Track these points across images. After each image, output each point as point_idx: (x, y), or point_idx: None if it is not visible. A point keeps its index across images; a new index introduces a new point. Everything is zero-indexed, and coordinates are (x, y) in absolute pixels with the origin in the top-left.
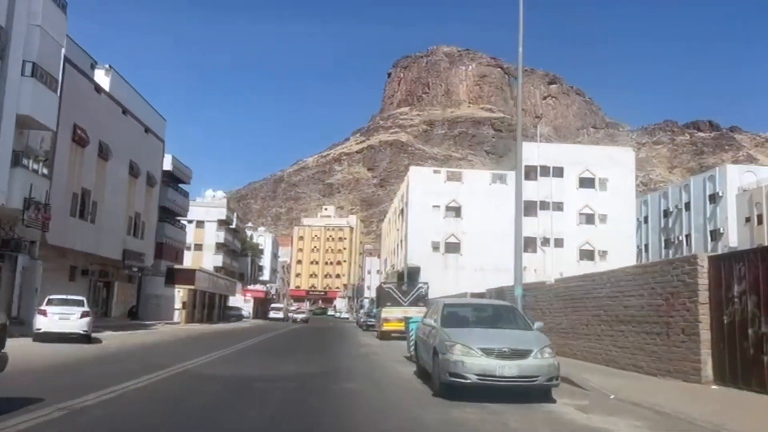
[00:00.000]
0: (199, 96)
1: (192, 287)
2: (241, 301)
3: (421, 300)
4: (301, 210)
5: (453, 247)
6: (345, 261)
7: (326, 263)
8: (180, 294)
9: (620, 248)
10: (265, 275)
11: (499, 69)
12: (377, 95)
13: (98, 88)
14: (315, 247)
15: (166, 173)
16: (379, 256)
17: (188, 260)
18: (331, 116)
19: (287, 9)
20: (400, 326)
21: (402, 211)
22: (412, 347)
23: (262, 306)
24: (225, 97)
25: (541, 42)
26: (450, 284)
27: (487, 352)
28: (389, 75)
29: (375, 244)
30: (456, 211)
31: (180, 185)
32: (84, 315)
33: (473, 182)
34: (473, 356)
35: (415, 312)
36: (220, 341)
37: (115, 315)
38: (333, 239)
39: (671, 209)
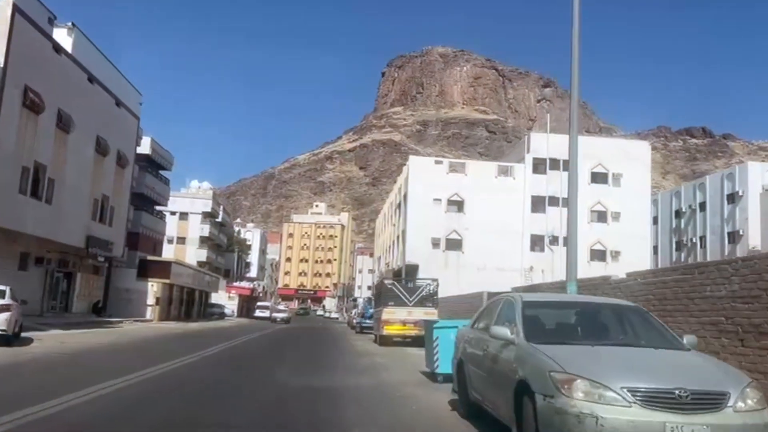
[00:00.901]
0: (190, 91)
1: (167, 281)
2: (226, 298)
3: (430, 300)
4: (291, 208)
5: (454, 244)
6: (335, 259)
7: (316, 261)
8: (153, 288)
9: (634, 249)
10: (253, 272)
11: (493, 71)
12: (371, 94)
13: (58, 48)
14: (305, 244)
15: (143, 157)
16: (371, 255)
17: (170, 253)
18: (324, 115)
19: (280, 6)
20: (405, 330)
21: (400, 205)
22: (437, 362)
23: (247, 304)
24: (216, 93)
25: (536, 44)
26: (451, 284)
27: (646, 396)
28: (383, 74)
29: (367, 243)
30: (458, 205)
31: (161, 172)
32: (2, 309)
33: (477, 175)
34: (616, 404)
35: (422, 314)
36: (188, 344)
37: (77, 310)
38: (323, 237)
39: (684, 209)
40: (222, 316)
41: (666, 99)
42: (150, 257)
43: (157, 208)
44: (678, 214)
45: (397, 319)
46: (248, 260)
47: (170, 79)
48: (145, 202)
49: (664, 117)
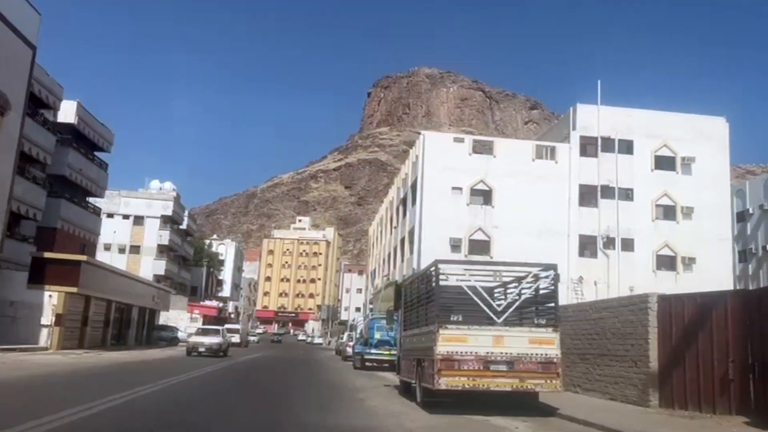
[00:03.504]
0: (170, 109)
1: (74, 290)
2: (187, 319)
3: (542, 312)
4: (273, 227)
5: (480, 247)
6: (319, 279)
7: (298, 281)
8: (53, 301)
9: (712, 254)
10: (226, 291)
11: (480, 92)
12: (356, 115)
13: None
14: (286, 262)
15: (66, 128)
16: (360, 273)
17: (120, 264)
18: (309, 134)
19: (266, 25)
20: (492, 380)
21: (405, 199)
22: None
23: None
24: (194, 110)
25: (522, 67)
26: None
27: None
28: (369, 94)
29: (353, 263)
30: (485, 195)
31: (97, 154)
32: None
33: (510, 156)
34: None
35: (528, 342)
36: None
37: None
38: (307, 254)
39: (752, 210)
40: (173, 341)
41: None
42: (48, 254)
43: (91, 200)
44: (743, 216)
45: (472, 353)
46: (221, 277)
47: (148, 90)
48: (69, 189)
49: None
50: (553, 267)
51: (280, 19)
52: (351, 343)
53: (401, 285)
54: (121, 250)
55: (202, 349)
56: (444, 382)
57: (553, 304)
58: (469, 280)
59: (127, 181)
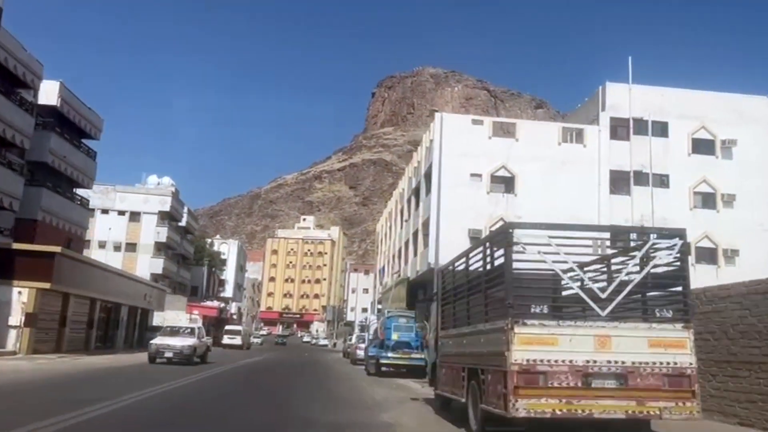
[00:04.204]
0: (171, 110)
1: (47, 285)
2: (186, 320)
3: (672, 302)
4: (277, 228)
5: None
6: (324, 279)
7: (303, 281)
8: (22, 298)
9: (756, 246)
10: (228, 291)
11: (485, 91)
12: (360, 115)
13: None
14: (290, 262)
15: (47, 111)
16: (366, 272)
17: (115, 263)
18: (312, 136)
19: (267, 26)
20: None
21: (418, 188)
22: None
23: (215, 328)
24: (199, 110)
25: (527, 66)
26: None
27: None
28: (373, 95)
29: (358, 264)
30: (507, 182)
31: (84, 141)
32: None
33: (533, 140)
34: None
35: (647, 345)
36: None
37: None
38: (311, 254)
39: None
40: None
41: None
42: (17, 245)
43: (79, 192)
44: None
45: (566, 362)
46: (223, 277)
47: (149, 91)
48: (52, 177)
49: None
50: (680, 233)
51: (281, 19)
52: (362, 345)
53: (443, 271)
54: (117, 248)
55: (169, 354)
56: (523, 406)
57: (681, 288)
58: (558, 253)
59: (128, 181)
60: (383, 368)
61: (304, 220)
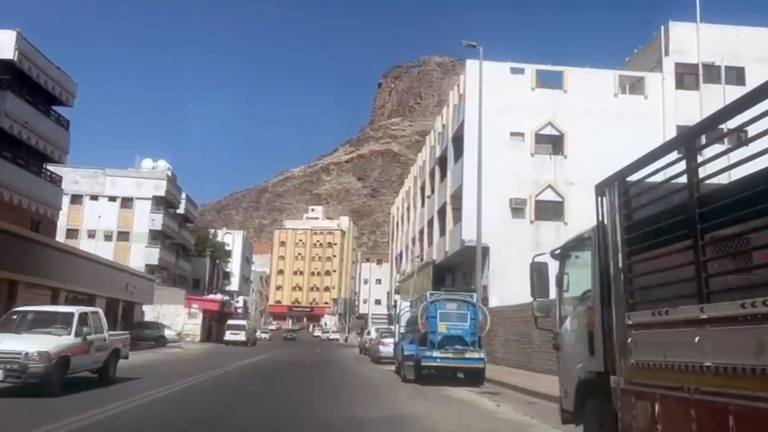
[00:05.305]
0: (178, 104)
1: None
2: (185, 314)
3: None
4: (285, 221)
5: (550, 210)
6: (335, 271)
7: (312, 273)
8: None
9: None
10: (234, 285)
11: None
12: (367, 106)
13: None
14: (299, 254)
15: (2, 66)
16: (379, 262)
17: (106, 254)
18: (319, 128)
19: (275, 17)
20: None
21: (443, 158)
22: None
23: (217, 323)
24: (206, 104)
25: (535, 53)
26: None
27: None
28: (379, 85)
29: (368, 256)
30: (555, 142)
31: (54, 108)
32: None
33: (585, 91)
34: None
35: None
36: None
37: None
38: (321, 245)
39: None
40: (159, 341)
41: None
42: None
43: (51, 167)
44: None
45: None
46: (228, 269)
47: (160, 88)
48: (11, 146)
49: None
50: None
51: (286, 11)
52: (387, 341)
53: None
54: (108, 237)
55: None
56: None
57: None
58: None
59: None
60: (423, 371)
61: (313, 210)
